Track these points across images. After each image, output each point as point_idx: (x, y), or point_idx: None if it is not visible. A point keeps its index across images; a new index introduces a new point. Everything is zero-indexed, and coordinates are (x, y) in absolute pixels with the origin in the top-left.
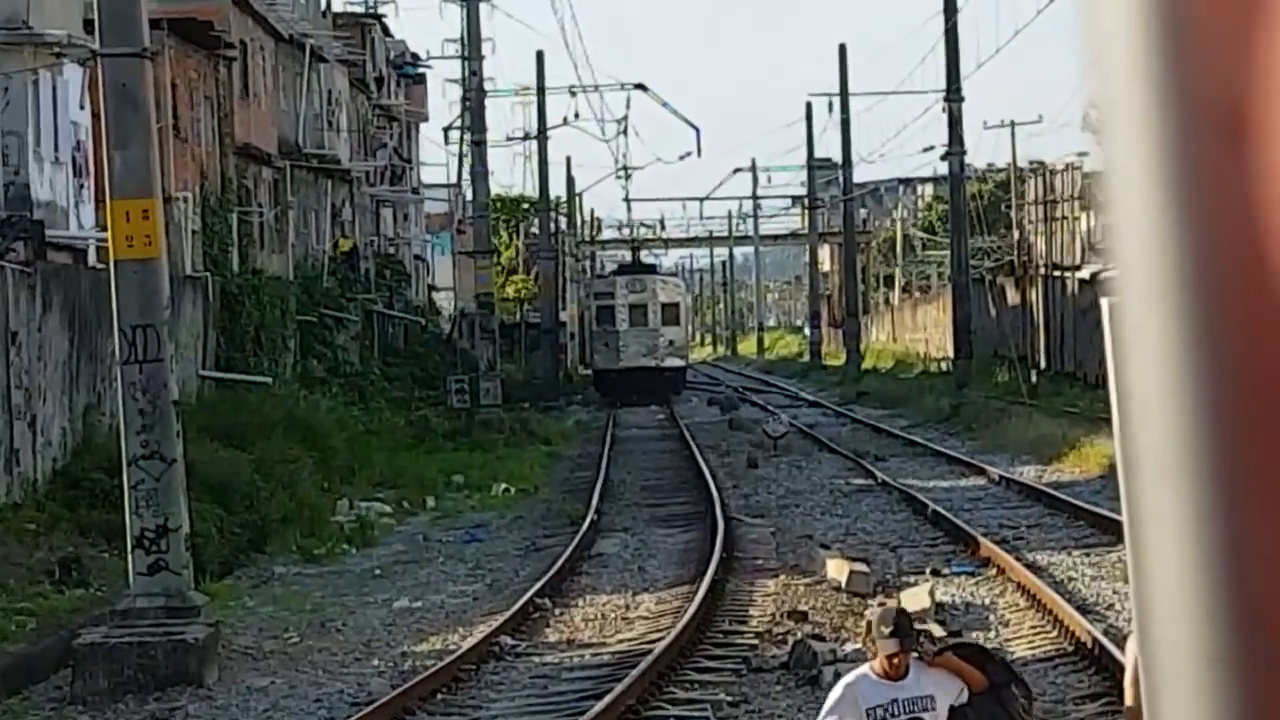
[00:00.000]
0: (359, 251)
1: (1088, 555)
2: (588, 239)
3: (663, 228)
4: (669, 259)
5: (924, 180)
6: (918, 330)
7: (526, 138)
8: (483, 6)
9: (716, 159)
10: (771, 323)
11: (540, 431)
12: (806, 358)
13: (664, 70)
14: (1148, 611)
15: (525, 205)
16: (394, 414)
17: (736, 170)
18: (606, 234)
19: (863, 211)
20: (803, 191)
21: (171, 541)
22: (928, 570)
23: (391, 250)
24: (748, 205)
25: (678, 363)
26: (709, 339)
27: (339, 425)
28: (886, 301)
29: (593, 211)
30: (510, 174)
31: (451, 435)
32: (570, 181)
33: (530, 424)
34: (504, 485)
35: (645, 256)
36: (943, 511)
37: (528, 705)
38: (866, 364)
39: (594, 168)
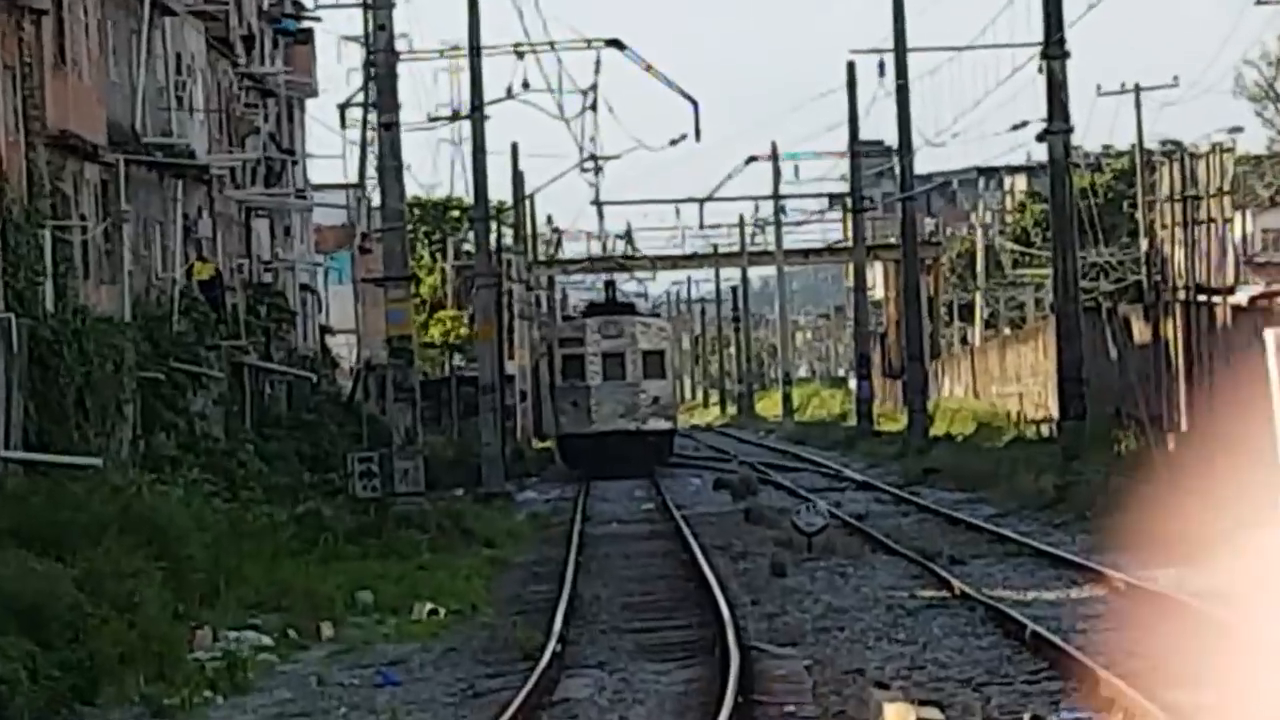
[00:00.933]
0: (222, 281)
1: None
2: (544, 258)
3: (632, 247)
4: (657, 285)
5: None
6: (1008, 381)
7: (456, 118)
8: None
9: (722, 145)
10: (802, 373)
11: (480, 529)
12: (852, 421)
13: (647, 22)
14: None
15: (455, 212)
16: (275, 508)
17: (751, 159)
18: (570, 250)
19: (929, 218)
20: (843, 188)
21: None
22: (1026, 716)
23: (269, 278)
24: (767, 209)
25: (663, 425)
26: (715, 397)
27: (197, 525)
28: (963, 341)
29: (550, 220)
30: (434, 168)
31: (356, 537)
32: (518, 178)
33: (466, 519)
34: (430, 606)
35: (624, 284)
36: (1046, 634)
37: None
38: (937, 429)
39: (551, 158)
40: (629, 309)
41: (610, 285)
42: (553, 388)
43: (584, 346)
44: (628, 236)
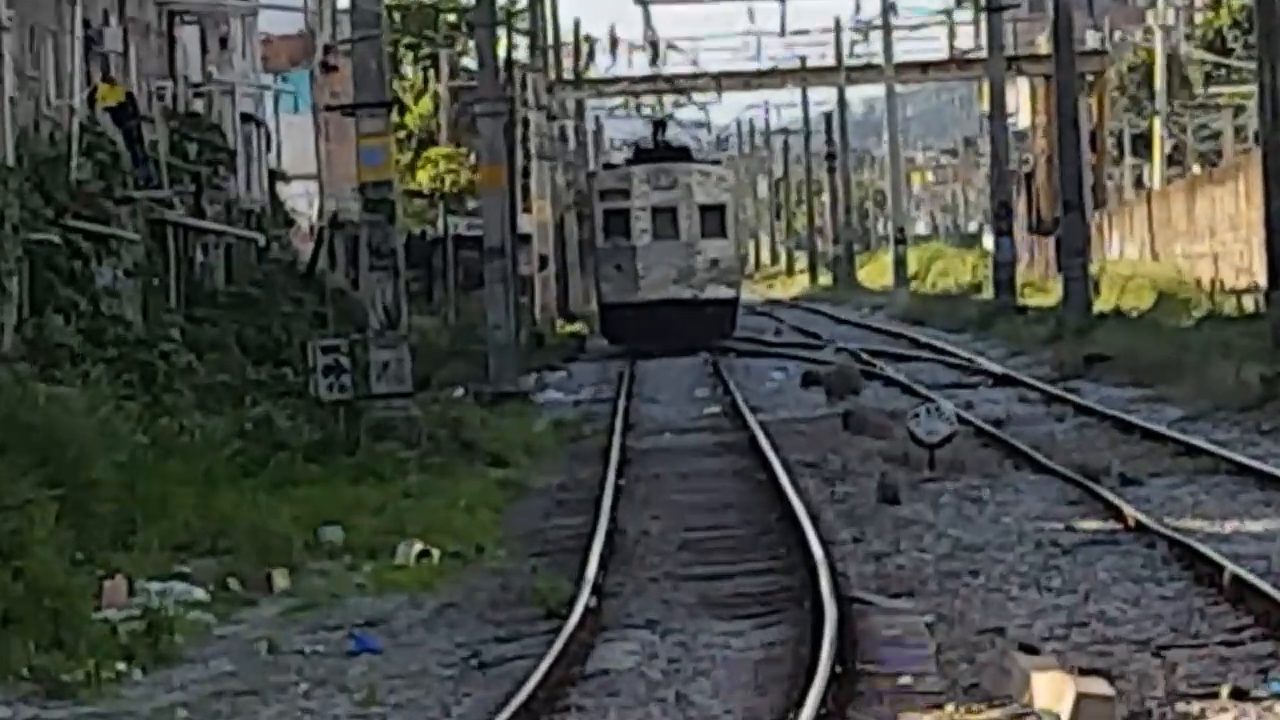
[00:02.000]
0: (137, 109)
1: None
2: (570, 77)
3: (691, 60)
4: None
5: None
6: (1198, 237)
7: None
8: None
9: None
10: (920, 228)
11: (487, 442)
12: (988, 292)
13: None
14: None
15: (450, 16)
16: (210, 415)
17: None
18: (605, 67)
19: (1087, 22)
20: None
21: None
22: (1224, 690)
23: (199, 106)
24: (872, 6)
25: (724, 293)
26: (801, 261)
27: (106, 439)
28: (1138, 184)
29: (578, 25)
30: None
31: (319, 454)
32: None
33: (467, 428)
34: (419, 546)
35: (680, 111)
36: (1251, 579)
37: None
38: (1103, 302)
39: None
40: (684, 154)
41: (659, 125)
42: (594, 248)
43: (629, 200)
44: (685, 46)
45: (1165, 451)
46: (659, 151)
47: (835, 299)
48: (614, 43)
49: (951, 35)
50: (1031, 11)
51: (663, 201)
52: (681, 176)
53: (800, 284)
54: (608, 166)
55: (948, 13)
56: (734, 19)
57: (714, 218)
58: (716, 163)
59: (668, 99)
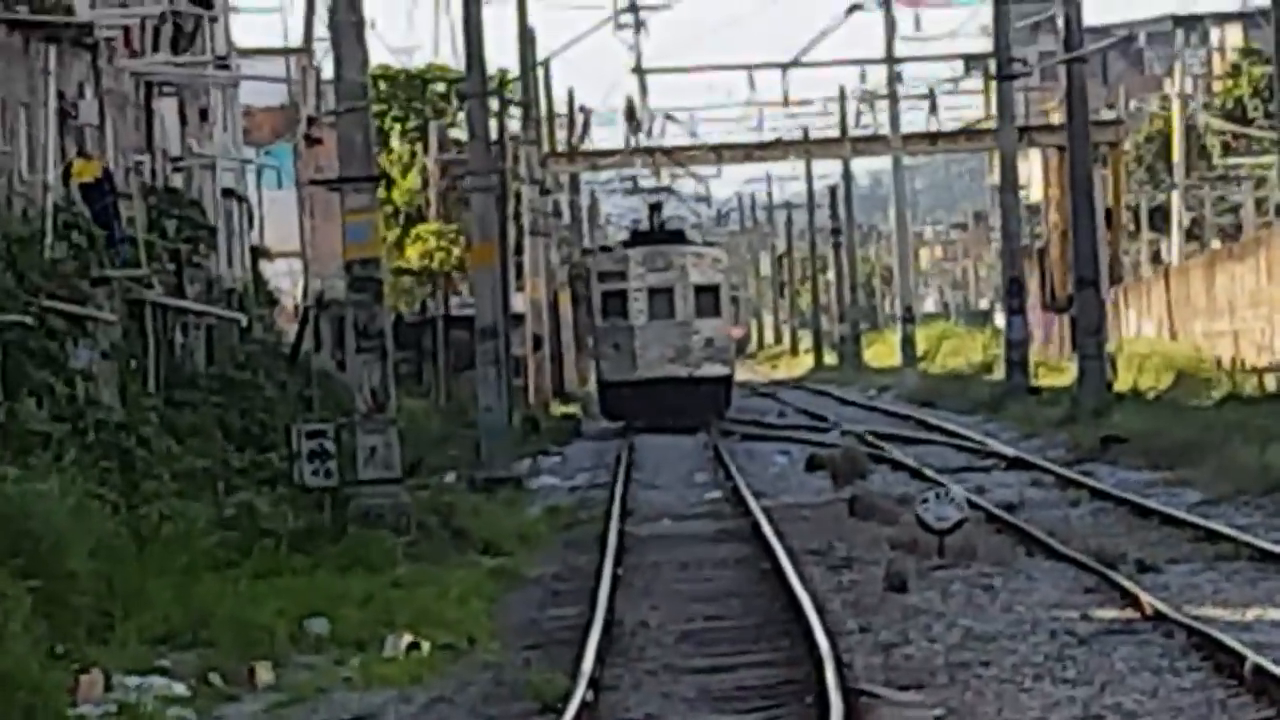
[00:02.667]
0: (114, 185)
1: None
2: (564, 150)
3: (689, 132)
4: (723, 186)
5: (1223, 18)
6: (1218, 314)
7: None
8: None
9: None
10: (929, 306)
11: (479, 530)
12: (1000, 373)
13: None
14: None
15: (439, 86)
16: (190, 503)
17: (854, 8)
18: (601, 139)
19: (1105, 88)
20: (985, 46)
21: None
22: None
23: (179, 182)
24: (878, 76)
25: (720, 371)
26: (805, 340)
27: (83, 527)
28: (1155, 259)
29: (572, 96)
30: (409, 26)
31: (304, 542)
32: (527, 37)
33: (459, 515)
34: (409, 638)
35: (679, 183)
36: (1274, 669)
37: None
38: (1120, 382)
39: (576, 9)
40: (679, 236)
41: (655, 209)
42: (592, 328)
43: (627, 281)
44: (683, 118)
45: (1184, 537)
46: (655, 234)
47: (841, 380)
48: (631, 113)
49: (965, 103)
50: (1044, 80)
51: (659, 283)
52: (676, 258)
53: (805, 364)
54: (604, 249)
55: (956, 81)
56: (735, 88)
57: (708, 298)
58: (711, 244)
59: (666, 172)
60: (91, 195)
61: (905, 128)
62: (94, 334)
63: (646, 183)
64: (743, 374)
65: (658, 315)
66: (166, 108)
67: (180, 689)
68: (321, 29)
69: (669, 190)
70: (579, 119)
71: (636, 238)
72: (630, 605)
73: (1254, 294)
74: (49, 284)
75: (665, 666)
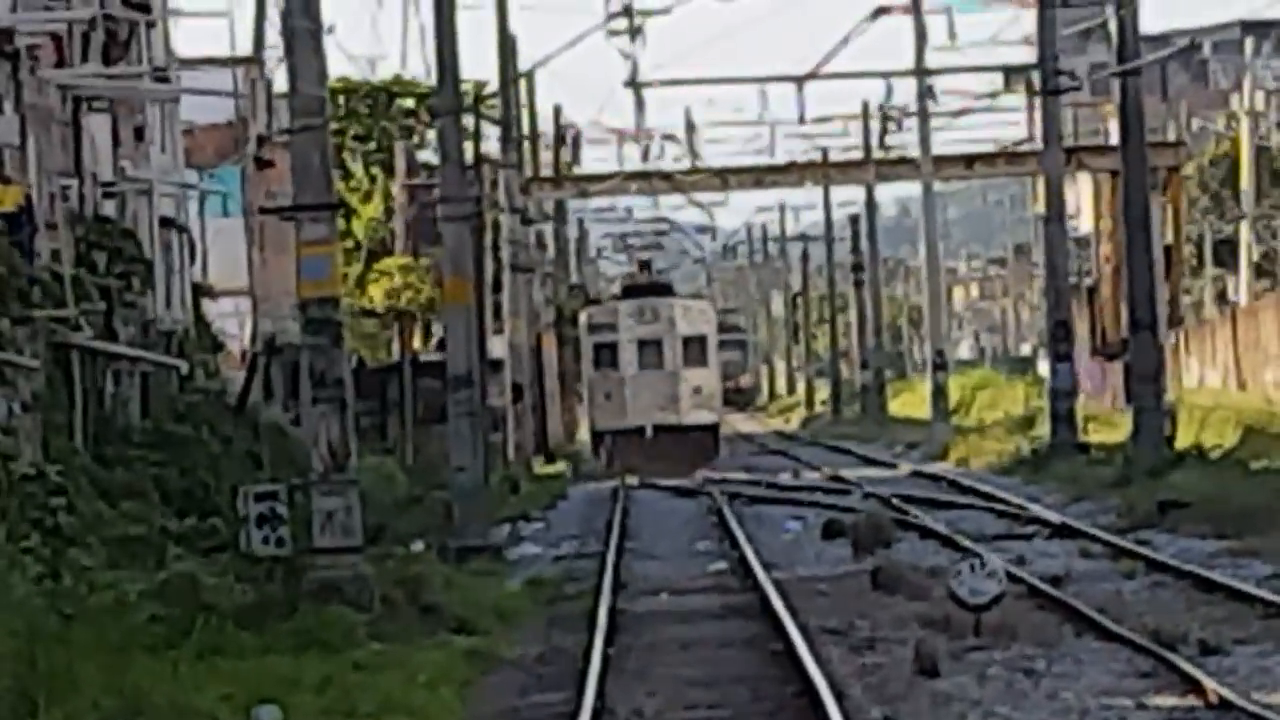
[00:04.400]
0: (34, 214)
1: None
2: (549, 174)
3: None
4: (730, 215)
5: None
6: None
7: None
8: None
9: None
10: (964, 353)
11: (452, 605)
12: (1044, 427)
13: None
14: None
15: (407, 102)
16: (124, 573)
17: (880, 11)
18: (591, 162)
19: (1162, 108)
20: (1028, 56)
21: None
22: None
23: (112, 210)
24: (906, 90)
25: (707, 418)
26: (823, 390)
27: (1, 600)
28: (1221, 299)
29: (558, 113)
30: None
31: (253, 619)
32: (508, 45)
33: (429, 589)
34: None
35: (679, 213)
36: None
37: None
38: (1180, 439)
39: (561, 13)
40: (667, 289)
41: (645, 265)
42: (585, 379)
43: (617, 333)
44: (686, 134)
45: (1253, 614)
46: (644, 287)
47: (863, 435)
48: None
49: (1004, 121)
50: (1094, 95)
51: (648, 334)
52: (665, 310)
53: (819, 416)
54: (594, 301)
55: (994, 95)
56: (744, 103)
57: (696, 348)
58: (698, 296)
59: (665, 200)
60: (11, 225)
61: (937, 149)
62: (14, 382)
63: (643, 212)
64: (750, 426)
65: (647, 365)
66: (97, 125)
67: None
68: (274, 36)
69: (668, 221)
70: (567, 138)
71: (627, 291)
72: (623, 692)
73: None
74: None
75: None
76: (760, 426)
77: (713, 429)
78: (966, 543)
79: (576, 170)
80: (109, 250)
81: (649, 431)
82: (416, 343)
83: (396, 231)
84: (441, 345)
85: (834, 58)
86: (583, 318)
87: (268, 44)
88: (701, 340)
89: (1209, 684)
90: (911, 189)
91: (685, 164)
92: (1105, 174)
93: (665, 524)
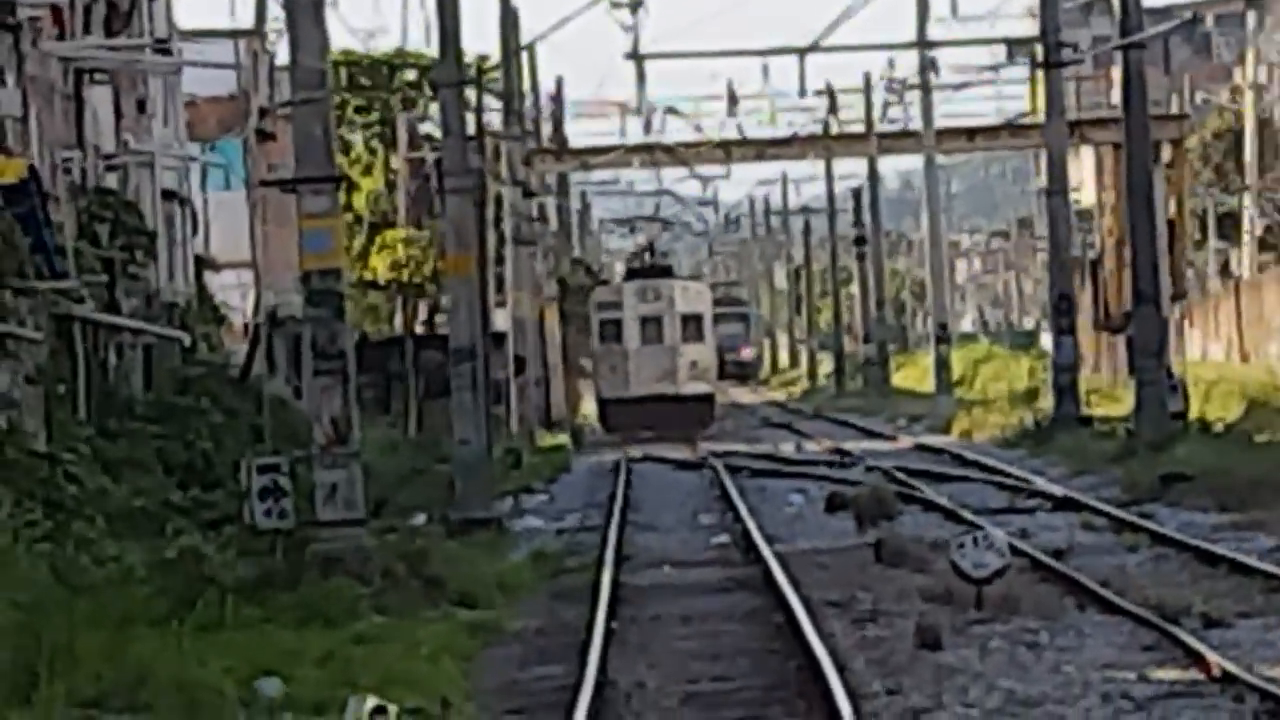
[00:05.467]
0: (40, 186)
1: None
2: (551, 146)
3: (693, 126)
4: (732, 189)
5: None
6: None
7: None
8: None
9: None
10: (966, 325)
11: (454, 578)
12: (1048, 400)
13: None
14: None
15: (409, 74)
16: (126, 546)
17: None
18: (593, 134)
19: (1164, 81)
20: (1030, 29)
21: None
22: None
23: (114, 182)
24: (908, 63)
25: (702, 389)
26: (826, 363)
27: (4, 573)
28: (1225, 271)
29: (560, 85)
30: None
31: (255, 592)
32: (509, 17)
33: (431, 562)
34: (373, 702)
35: (681, 185)
36: None
37: None
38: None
39: None
40: (667, 271)
41: (648, 249)
42: (592, 352)
43: (622, 311)
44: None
45: (1256, 588)
46: (647, 269)
47: (866, 408)
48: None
49: (1007, 95)
50: (1097, 68)
51: (650, 312)
52: (665, 291)
53: (822, 390)
54: (602, 283)
55: (997, 69)
56: (746, 76)
57: (693, 325)
58: (696, 278)
59: (667, 172)
60: (14, 198)
61: (939, 122)
62: (16, 354)
63: (645, 185)
64: (753, 398)
65: (649, 340)
66: (99, 98)
67: None
68: (275, 8)
69: (669, 194)
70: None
71: (631, 273)
72: (625, 664)
73: None
74: None
75: None
76: (762, 399)
77: (708, 398)
78: (969, 516)
79: (578, 144)
80: (111, 223)
81: (650, 400)
82: (421, 315)
83: (398, 205)
84: (431, 319)
85: (835, 30)
86: (593, 297)
87: (269, 16)
88: (698, 318)
89: (1212, 657)
90: (914, 162)
91: (689, 136)
92: (1108, 147)
93: (668, 497)
